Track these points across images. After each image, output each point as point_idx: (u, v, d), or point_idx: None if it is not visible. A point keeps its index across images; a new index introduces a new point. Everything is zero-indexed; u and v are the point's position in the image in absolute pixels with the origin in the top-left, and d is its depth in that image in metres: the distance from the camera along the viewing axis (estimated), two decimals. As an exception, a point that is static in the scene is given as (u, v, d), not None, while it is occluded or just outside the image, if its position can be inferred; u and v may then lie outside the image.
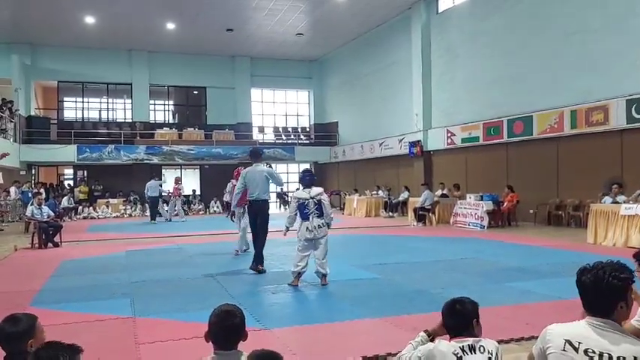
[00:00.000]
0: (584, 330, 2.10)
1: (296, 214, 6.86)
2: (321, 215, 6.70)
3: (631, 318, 2.90)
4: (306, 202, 6.68)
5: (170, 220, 18.56)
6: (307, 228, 6.62)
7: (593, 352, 2.02)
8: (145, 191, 18.59)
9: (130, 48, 24.65)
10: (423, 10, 19.31)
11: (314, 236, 6.63)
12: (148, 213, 19.83)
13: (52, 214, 12.30)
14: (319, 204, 6.70)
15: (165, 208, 19.64)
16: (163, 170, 25.01)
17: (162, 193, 19.82)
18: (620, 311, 2.10)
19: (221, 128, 25.62)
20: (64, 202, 20.16)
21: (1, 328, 2.39)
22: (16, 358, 2.27)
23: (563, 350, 2.08)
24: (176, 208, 19.01)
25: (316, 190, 6.83)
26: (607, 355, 2.00)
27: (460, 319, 2.56)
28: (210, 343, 2.40)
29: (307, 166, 28.51)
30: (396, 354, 3.84)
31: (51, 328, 4.40)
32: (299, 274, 6.69)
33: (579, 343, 2.06)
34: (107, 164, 23.44)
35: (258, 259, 7.83)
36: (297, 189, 7.36)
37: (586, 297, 2.15)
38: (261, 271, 7.71)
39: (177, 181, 19.48)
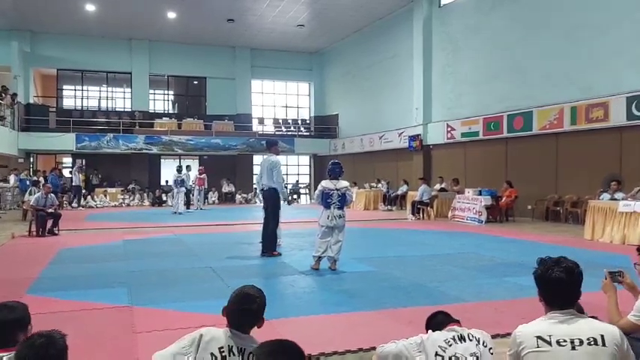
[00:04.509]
0: (550, 325, 2.18)
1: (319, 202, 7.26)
2: (341, 207, 7.09)
3: (627, 313, 2.90)
4: (331, 192, 7.06)
5: (201, 209, 19.73)
6: (328, 216, 7.03)
7: (565, 340, 2.10)
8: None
9: (131, 37, 24.53)
10: (425, 3, 19.22)
11: (334, 225, 7.02)
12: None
13: (56, 203, 12.29)
14: (342, 196, 7.06)
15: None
16: (162, 160, 24.98)
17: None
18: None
19: (220, 119, 25.54)
20: (76, 180, 20.37)
21: None
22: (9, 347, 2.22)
23: (537, 347, 2.14)
24: (199, 197, 20.09)
25: (342, 183, 7.20)
26: (577, 340, 2.09)
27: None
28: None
29: (307, 158, 28.57)
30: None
31: (48, 316, 4.43)
32: (319, 259, 7.12)
33: (550, 335, 2.14)
34: (106, 153, 23.40)
35: (271, 244, 8.32)
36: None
37: (560, 291, 2.20)
38: (276, 256, 8.22)
39: (202, 172, 20.26)
